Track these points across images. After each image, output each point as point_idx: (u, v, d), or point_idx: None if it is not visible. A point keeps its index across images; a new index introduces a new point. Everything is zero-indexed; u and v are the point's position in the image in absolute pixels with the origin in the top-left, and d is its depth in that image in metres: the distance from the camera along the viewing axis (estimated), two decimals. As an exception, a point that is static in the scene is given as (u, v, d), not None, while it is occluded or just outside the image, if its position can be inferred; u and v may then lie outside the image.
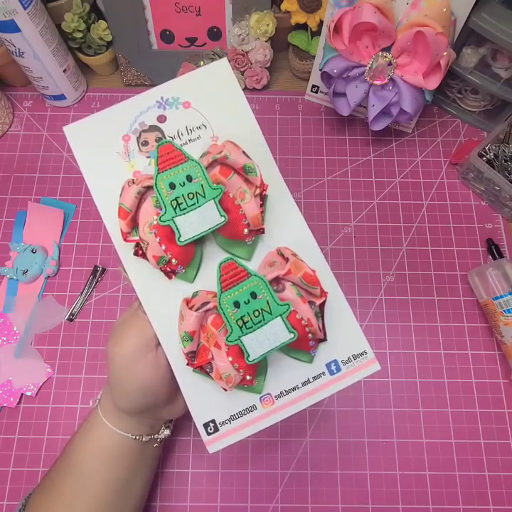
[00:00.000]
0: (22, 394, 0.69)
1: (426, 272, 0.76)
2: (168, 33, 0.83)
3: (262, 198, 0.44)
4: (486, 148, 0.76)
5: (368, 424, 0.68)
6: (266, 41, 0.81)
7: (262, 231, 0.44)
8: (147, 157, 0.45)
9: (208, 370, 0.43)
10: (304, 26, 0.80)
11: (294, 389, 0.46)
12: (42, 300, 0.73)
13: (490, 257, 0.75)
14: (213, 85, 0.46)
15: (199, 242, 0.43)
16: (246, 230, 0.42)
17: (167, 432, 0.55)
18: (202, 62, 0.82)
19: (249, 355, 0.41)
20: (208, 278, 0.45)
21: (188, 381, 0.45)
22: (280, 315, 0.41)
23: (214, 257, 0.45)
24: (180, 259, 0.42)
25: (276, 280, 0.43)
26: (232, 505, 0.65)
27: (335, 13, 0.67)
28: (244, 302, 0.41)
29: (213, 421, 0.45)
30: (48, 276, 0.74)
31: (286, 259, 0.43)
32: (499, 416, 0.68)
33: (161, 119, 0.45)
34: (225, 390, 0.43)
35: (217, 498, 0.65)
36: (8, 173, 0.81)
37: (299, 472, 0.66)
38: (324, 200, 0.80)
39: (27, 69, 0.78)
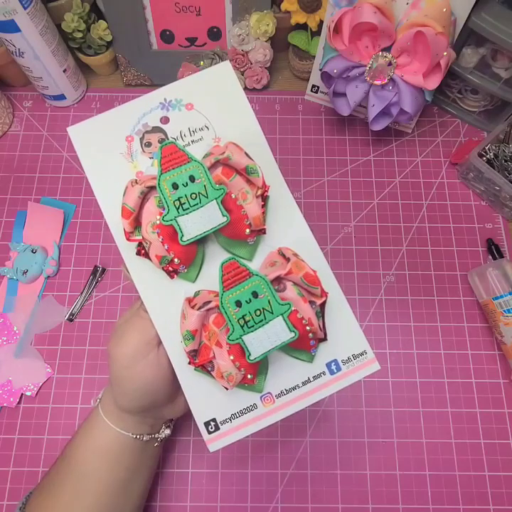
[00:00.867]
0: (22, 394, 0.68)
1: (426, 271, 0.76)
2: (168, 33, 0.83)
3: (264, 198, 0.44)
4: (486, 148, 0.76)
5: (368, 424, 0.68)
6: (266, 41, 0.81)
7: (263, 231, 0.44)
8: (150, 158, 0.45)
9: (209, 368, 0.43)
10: (304, 26, 0.80)
11: (294, 388, 0.46)
12: (42, 300, 0.73)
13: (490, 257, 0.76)
14: (216, 87, 0.46)
15: (201, 241, 0.44)
16: (248, 230, 0.42)
17: (167, 431, 0.55)
18: (202, 62, 0.82)
19: (250, 354, 0.41)
20: (209, 277, 0.45)
21: (189, 380, 0.45)
22: (281, 314, 0.41)
23: (216, 256, 0.45)
24: (182, 258, 0.42)
25: (278, 280, 0.43)
26: (232, 505, 0.65)
27: (335, 13, 0.67)
28: (246, 301, 0.41)
29: (214, 420, 0.45)
30: (48, 276, 0.74)
31: (288, 259, 0.43)
32: (499, 416, 0.69)
33: (164, 120, 0.46)
34: (226, 388, 0.43)
35: (217, 498, 0.65)
36: (8, 173, 0.81)
37: (299, 472, 0.66)
38: (324, 200, 0.80)
39: (27, 69, 0.78)
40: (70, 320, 0.72)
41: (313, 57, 0.82)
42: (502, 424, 0.68)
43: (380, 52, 0.68)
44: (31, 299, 0.73)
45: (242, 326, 0.41)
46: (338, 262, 0.76)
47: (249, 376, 0.42)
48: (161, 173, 0.41)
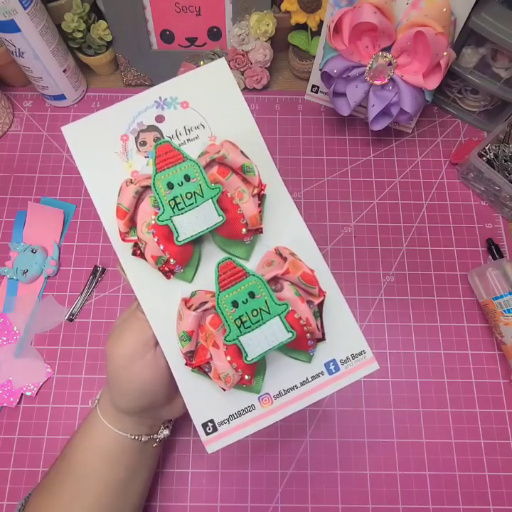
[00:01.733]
0: (22, 394, 0.69)
1: (426, 271, 0.76)
2: (168, 33, 0.83)
3: (260, 197, 0.44)
4: (486, 148, 0.76)
5: (368, 424, 0.68)
6: (266, 41, 0.81)
7: (260, 231, 0.44)
8: (145, 157, 0.45)
9: (206, 369, 0.43)
10: (304, 26, 0.80)
11: (292, 388, 0.45)
12: (42, 300, 0.73)
13: (490, 257, 0.75)
14: (211, 85, 0.46)
15: (197, 241, 0.43)
16: (244, 230, 0.42)
17: (166, 432, 0.55)
18: (202, 62, 0.82)
19: (247, 355, 0.41)
20: (206, 278, 0.45)
21: (187, 381, 0.45)
22: (278, 314, 0.41)
23: (212, 256, 0.44)
24: (178, 258, 0.42)
25: (275, 280, 0.43)
26: (232, 505, 0.65)
27: (335, 13, 0.67)
28: (243, 302, 0.40)
29: (212, 421, 0.45)
30: (48, 276, 0.74)
31: (285, 259, 0.43)
32: (499, 416, 0.68)
33: (159, 119, 0.45)
34: (224, 389, 0.43)
35: (217, 498, 0.65)
36: (8, 173, 0.81)
37: (299, 472, 0.66)
38: (324, 200, 0.80)
39: (27, 69, 0.78)
40: (70, 320, 0.72)
41: (313, 57, 0.82)
42: (502, 424, 0.68)
43: (380, 52, 0.68)
44: (31, 299, 0.73)
45: (238, 327, 0.41)
46: (338, 262, 0.76)
47: (246, 377, 0.42)
48: (156, 173, 0.40)
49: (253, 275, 0.41)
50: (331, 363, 0.46)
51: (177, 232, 0.40)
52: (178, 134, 0.45)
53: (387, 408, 0.69)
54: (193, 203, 0.40)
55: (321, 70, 0.72)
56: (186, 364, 0.43)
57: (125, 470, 0.52)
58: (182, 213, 0.40)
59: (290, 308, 0.41)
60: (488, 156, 0.76)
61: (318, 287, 0.43)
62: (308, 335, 0.42)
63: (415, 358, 0.71)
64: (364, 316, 0.73)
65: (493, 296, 0.68)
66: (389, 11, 0.64)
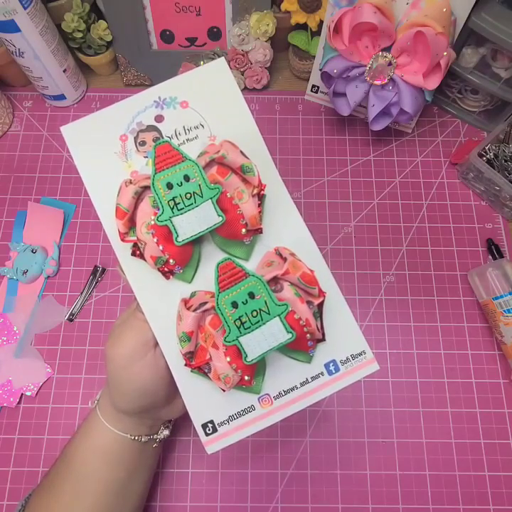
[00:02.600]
0: (22, 394, 0.69)
1: (426, 271, 0.75)
2: (168, 33, 0.83)
3: (260, 197, 0.44)
4: (486, 148, 0.76)
5: (368, 424, 0.68)
6: (266, 41, 0.81)
7: (259, 231, 0.44)
8: (145, 157, 0.45)
9: (206, 370, 0.43)
10: (304, 26, 0.80)
11: (292, 389, 0.45)
12: (42, 300, 0.73)
13: (490, 257, 0.75)
14: (211, 85, 0.45)
15: (197, 242, 0.43)
16: (244, 230, 0.42)
17: (166, 432, 0.55)
18: (202, 62, 0.82)
19: (247, 356, 0.41)
20: (205, 278, 0.44)
21: (186, 382, 0.45)
22: (278, 315, 0.41)
23: (212, 257, 0.44)
24: (177, 259, 0.42)
25: (275, 280, 0.43)
26: (232, 505, 0.65)
27: (335, 13, 0.67)
28: (242, 302, 0.40)
29: (212, 421, 0.45)
30: (48, 276, 0.74)
31: (284, 259, 0.43)
32: (499, 416, 0.68)
33: (159, 118, 0.45)
34: (223, 390, 0.43)
35: (217, 498, 0.65)
36: (8, 173, 0.81)
37: (299, 472, 0.66)
38: (324, 200, 0.80)
39: (27, 69, 0.78)
40: (70, 320, 0.72)
41: (313, 57, 0.82)
42: (502, 424, 0.68)
43: (380, 52, 0.68)
44: (31, 299, 0.73)
45: (238, 328, 0.40)
46: (338, 262, 0.76)
47: (246, 378, 0.42)
48: (155, 173, 0.40)
49: (253, 276, 0.41)
50: (331, 364, 0.46)
51: (176, 232, 0.40)
52: (177, 133, 0.45)
53: (387, 408, 0.69)
54: (192, 204, 0.40)
55: (321, 70, 0.72)
56: (186, 365, 0.43)
57: (125, 470, 0.52)
58: (181, 214, 0.40)
59: (290, 309, 0.41)
60: (488, 156, 0.76)
61: (318, 287, 0.43)
62: (308, 335, 0.42)
63: (415, 358, 0.71)
64: (364, 316, 0.73)
65: (493, 296, 0.68)
66: (389, 11, 0.64)
